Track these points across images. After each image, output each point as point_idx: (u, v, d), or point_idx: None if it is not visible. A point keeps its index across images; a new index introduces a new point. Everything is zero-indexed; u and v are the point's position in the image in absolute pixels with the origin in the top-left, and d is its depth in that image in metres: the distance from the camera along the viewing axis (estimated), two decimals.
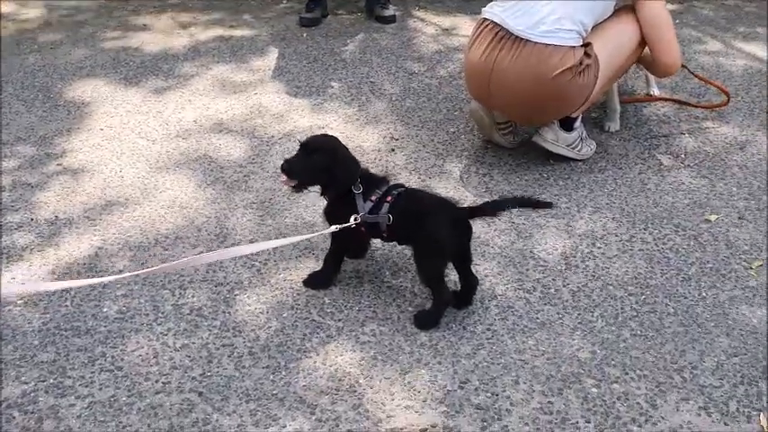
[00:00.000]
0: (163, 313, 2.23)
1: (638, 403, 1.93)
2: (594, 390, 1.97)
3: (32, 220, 2.67)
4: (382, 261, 2.43)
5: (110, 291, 2.30)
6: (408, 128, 3.30)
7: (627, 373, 2.02)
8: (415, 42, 4.22)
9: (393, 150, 3.12)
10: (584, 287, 2.33)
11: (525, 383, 1.98)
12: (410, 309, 2.23)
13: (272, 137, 3.24)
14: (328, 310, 2.24)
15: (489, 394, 1.95)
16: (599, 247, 2.51)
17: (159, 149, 3.13)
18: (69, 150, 3.13)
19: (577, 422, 1.87)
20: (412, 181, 2.87)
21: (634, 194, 2.81)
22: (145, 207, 2.75)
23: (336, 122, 3.35)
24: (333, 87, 3.69)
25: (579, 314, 2.22)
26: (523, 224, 2.62)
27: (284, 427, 1.86)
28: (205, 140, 3.20)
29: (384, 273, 2.39)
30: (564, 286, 2.33)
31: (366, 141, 3.18)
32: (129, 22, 4.58)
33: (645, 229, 2.60)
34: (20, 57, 4.07)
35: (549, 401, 1.93)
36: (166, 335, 2.14)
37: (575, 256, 2.46)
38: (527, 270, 2.40)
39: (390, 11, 4.54)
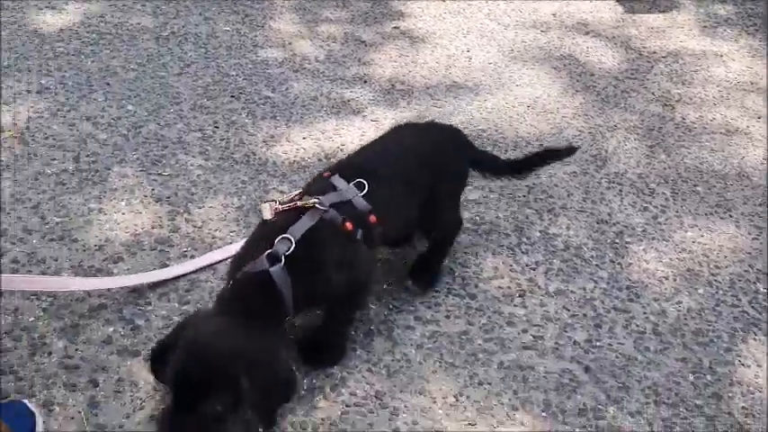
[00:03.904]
0: (528, 239, 1.64)
1: None
2: None
3: (365, 81, 2.19)
4: None
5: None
6: None
7: None
8: None
9: None
10: None
11: None
12: None
13: (654, 53, 2.49)
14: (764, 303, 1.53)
15: None
16: None
17: (513, 37, 2.51)
18: (407, 15, 2.61)
19: None
20: None
21: None
22: (499, 99, 2.16)
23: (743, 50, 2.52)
24: None
25: None
26: None
27: None
28: (569, 39, 2.53)
29: None
30: None
31: None
32: None
33: None
34: None
35: None
36: (534, 269, 1.56)
37: None
38: None
39: None
